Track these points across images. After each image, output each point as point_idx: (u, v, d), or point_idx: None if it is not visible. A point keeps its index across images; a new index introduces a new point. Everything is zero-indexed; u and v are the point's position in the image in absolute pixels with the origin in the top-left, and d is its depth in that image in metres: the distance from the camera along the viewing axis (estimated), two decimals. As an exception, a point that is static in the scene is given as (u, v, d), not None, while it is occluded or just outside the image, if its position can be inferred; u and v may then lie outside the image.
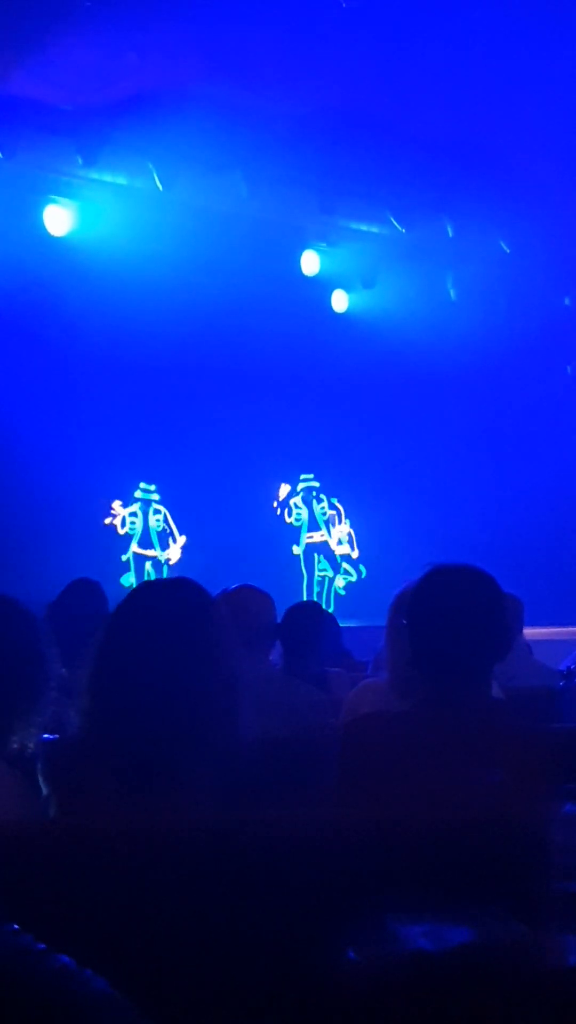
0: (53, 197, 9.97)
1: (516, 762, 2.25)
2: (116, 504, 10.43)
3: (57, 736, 2.31)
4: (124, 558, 10.45)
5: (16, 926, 1.04)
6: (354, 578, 11.90)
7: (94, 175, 9.72)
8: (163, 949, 1.62)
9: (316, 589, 11.72)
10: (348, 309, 11.96)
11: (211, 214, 10.12)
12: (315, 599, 11.09)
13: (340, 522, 11.98)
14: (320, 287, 11.73)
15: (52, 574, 6.17)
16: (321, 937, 1.68)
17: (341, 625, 5.99)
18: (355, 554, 11.98)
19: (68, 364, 9.80)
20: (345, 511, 12.03)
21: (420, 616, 2.45)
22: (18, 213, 9.70)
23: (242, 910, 1.67)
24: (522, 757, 2.27)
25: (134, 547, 10.54)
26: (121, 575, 10.23)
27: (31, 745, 2.21)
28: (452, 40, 8.14)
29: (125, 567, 10.36)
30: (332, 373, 11.41)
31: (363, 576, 11.89)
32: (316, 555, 11.84)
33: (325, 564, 11.88)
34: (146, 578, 9.95)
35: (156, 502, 10.73)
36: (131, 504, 10.58)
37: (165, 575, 10.24)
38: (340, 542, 11.94)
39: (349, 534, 11.99)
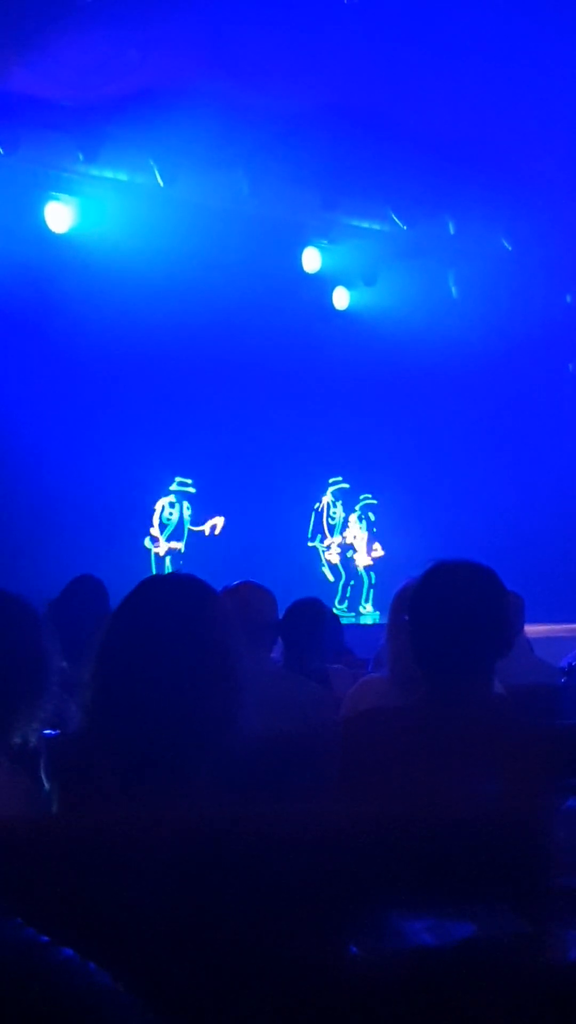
0: (54, 193, 9.96)
1: (517, 758, 2.25)
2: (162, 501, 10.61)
3: (59, 732, 2.31)
4: (157, 550, 10.66)
5: (20, 920, 1.04)
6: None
7: (95, 171, 9.71)
8: (165, 943, 1.63)
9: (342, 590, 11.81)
10: (349, 306, 11.95)
11: (212, 211, 10.12)
12: (344, 598, 11.27)
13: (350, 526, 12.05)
14: (321, 284, 11.72)
15: (58, 569, 6.17)
16: (323, 932, 1.68)
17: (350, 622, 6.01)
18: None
19: (68, 360, 9.79)
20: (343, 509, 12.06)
21: (422, 612, 2.45)
22: (19, 209, 9.70)
23: (244, 905, 1.67)
24: (523, 753, 2.27)
25: (161, 540, 10.77)
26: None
27: (33, 740, 2.22)
28: (454, 38, 8.13)
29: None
30: (333, 371, 11.41)
31: (373, 582, 11.95)
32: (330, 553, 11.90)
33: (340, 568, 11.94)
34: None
35: (190, 496, 10.91)
36: (166, 496, 10.84)
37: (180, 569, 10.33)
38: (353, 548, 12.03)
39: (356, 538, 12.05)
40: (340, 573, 11.90)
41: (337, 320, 11.79)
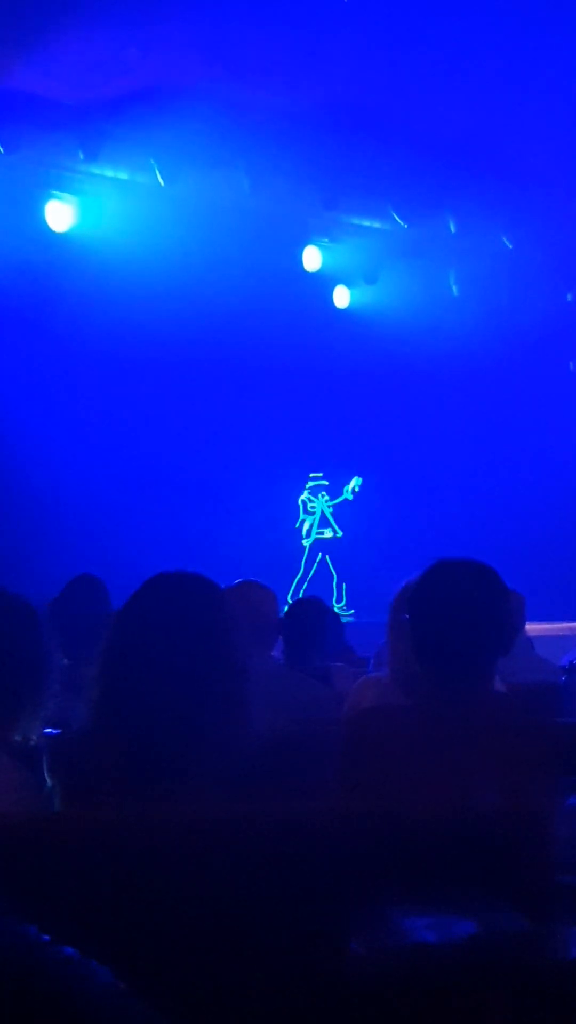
0: (54, 192, 9.95)
1: (518, 757, 2.25)
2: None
3: (60, 730, 2.31)
4: (305, 543, 11.39)
5: (21, 918, 1.04)
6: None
7: (95, 170, 9.71)
8: (167, 941, 1.63)
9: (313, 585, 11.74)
10: (350, 305, 11.95)
11: (213, 209, 10.11)
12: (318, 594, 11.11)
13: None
14: (322, 283, 11.71)
15: (57, 569, 6.17)
16: (325, 929, 1.69)
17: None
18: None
19: (68, 359, 9.79)
20: (345, 507, 12.04)
21: (422, 611, 2.45)
22: (19, 208, 9.69)
23: (247, 903, 1.67)
24: (524, 752, 2.27)
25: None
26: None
27: (34, 739, 2.22)
28: (454, 36, 8.13)
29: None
30: (333, 369, 11.40)
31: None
32: (321, 553, 11.86)
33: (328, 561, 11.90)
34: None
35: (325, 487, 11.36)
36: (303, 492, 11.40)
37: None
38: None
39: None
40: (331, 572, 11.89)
41: (338, 319, 11.78)
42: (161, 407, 10.39)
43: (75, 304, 9.74)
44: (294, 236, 11.23)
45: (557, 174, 9.77)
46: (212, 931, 1.65)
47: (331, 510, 11.87)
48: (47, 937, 1.02)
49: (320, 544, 11.91)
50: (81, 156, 9.29)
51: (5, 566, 8.16)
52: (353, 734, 2.43)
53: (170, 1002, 1.49)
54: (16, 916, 1.05)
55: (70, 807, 2.11)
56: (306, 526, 11.85)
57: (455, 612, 2.40)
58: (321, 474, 11.80)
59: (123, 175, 9.90)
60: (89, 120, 8.87)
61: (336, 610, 11.30)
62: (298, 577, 11.67)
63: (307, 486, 11.80)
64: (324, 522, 11.87)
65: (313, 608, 4.82)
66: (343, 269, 11.75)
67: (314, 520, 11.85)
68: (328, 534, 11.88)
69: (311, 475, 11.78)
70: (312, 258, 11.47)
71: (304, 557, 11.78)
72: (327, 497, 11.85)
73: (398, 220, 10.75)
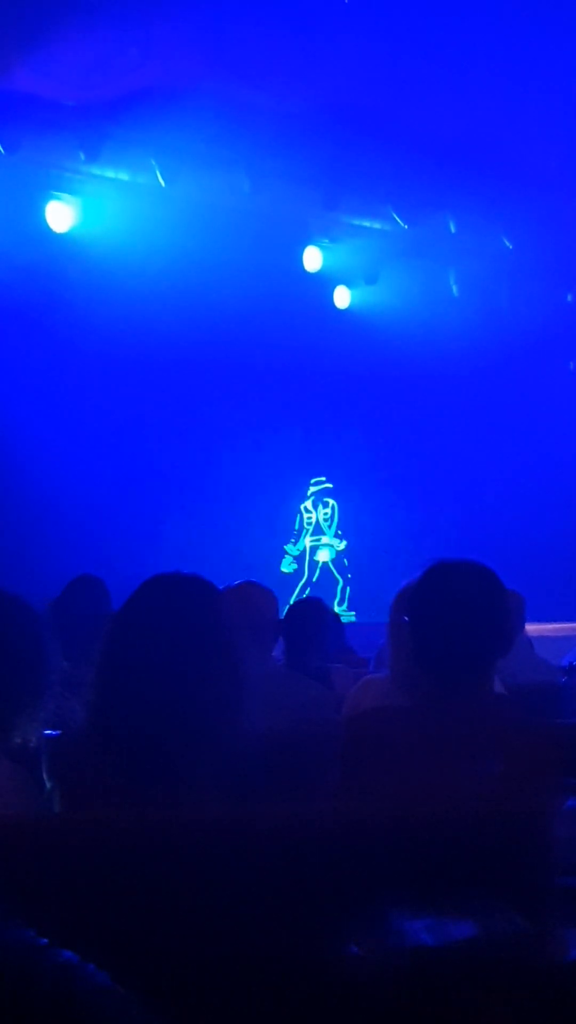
0: (55, 193, 9.95)
1: (518, 758, 2.25)
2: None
3: (60, 732, 2.31)
4: (295, 550, 11.47)
5: (19, 921, 1.04)
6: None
7: (96, 171, 9.71)
8: (166, 943, 1.63)
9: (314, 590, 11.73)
10: (350, 305, 11.94)
11: (214, 210, 10.11)
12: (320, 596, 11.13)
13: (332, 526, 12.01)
14: (322, 283, 11.72)
15: (56, 568, 6.17)
16: (324, 931, 1.69)
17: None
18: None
19: (69, 360, 9.79)
20: (345, 507, 12.03)
21: (422, 612, 2.45)
22: (20, 209, 9.69)
23: (245, 904, 1.67)
24: (524, 753, 2.27)
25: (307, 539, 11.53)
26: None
27: (33, 740, 2.22)
28: (454, 36, 8.13)
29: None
30: (334, 370, 11.40)
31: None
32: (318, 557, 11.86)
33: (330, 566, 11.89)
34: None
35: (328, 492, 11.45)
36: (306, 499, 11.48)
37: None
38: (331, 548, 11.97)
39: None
40: (335, 577, 11.88)
41: (338, 319, 11.78)
42: (161, 407, 10.39)
43: (76, 305, 9.74)
44: (294, 236, 11.23)
45: (557, 174, 9.77)
46: (211, 933, 1.65)
47: (328, 520, 11.85)
48: (44, 941, 1.02)
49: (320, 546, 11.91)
50: (82, 157, 9.29)
51: (5, 567, 8.16)
52: (353, 735, 2.43)
53: (169, 1005, 1.49)
54: (15, 919, 1.05)
55: (69, 809, 2.11)
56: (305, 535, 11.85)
57: (454, 613, 2.40)
58: (324, 478, 11.79)
59: (124, 176, 9.90)
60: (90, 121, 8.87)
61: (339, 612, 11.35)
62: (302, 582, 11.68)
63: (309, 493, 11.79)
64: (318, 530, 11.87)
65: (313, 609, 4.82)
66: (343, 269, 11.75)
67: (310, 528, 11.84)
68: (324, 542, 11.86)
69: (312, 480, 11.75)
70: (312, 258, 11.48)
71: (306, 560, 11.78)
72: (326, 511, 11.84)
73: (398, 221, 10.76)
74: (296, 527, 11.79)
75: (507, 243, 11.30)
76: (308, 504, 11.80)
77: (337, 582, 11.81)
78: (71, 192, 9.98)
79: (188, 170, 9.48)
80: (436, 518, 11.43)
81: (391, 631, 3.13)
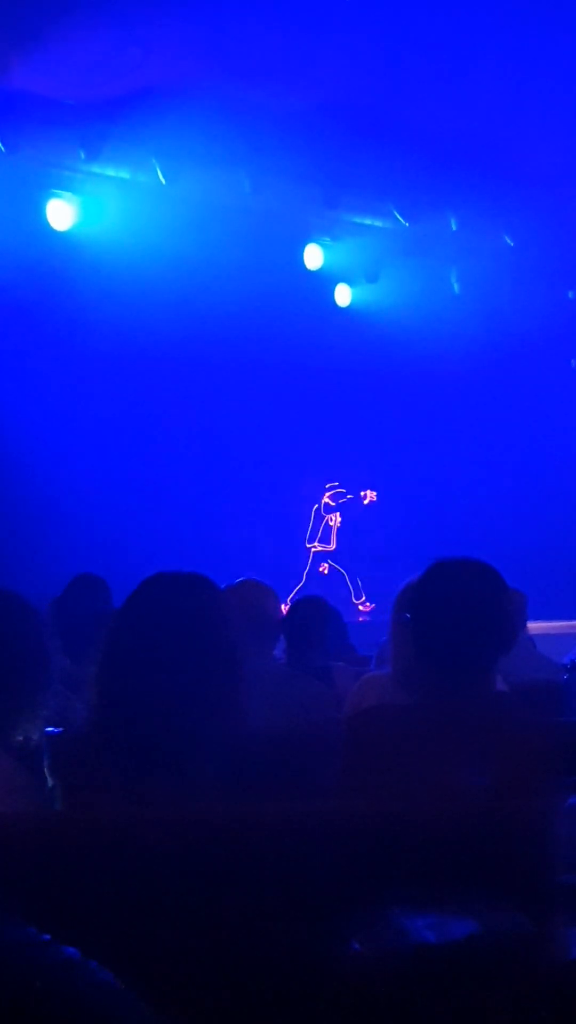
0: (56, 191, 9.96)
1: (520, 755, 2.25)
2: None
3: (62, 729, 2.31)
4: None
5: (21, 918, 1.04)
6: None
7: (97, 169, 9.71)
8: (168, 941, 1.63)
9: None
10: (351, 303, 11.95)
11: (214, 208, 10.11)
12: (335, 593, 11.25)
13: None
14: (323, 281, 11.72)
15: (56, 568, 6.17)
16: (326, 929, 1.69)
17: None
18: None
19: (70, 358, 9.79)
20: (345, 506, 12.03)
21: (424, 610, 2.45)
22: (21, 207, 9.69)
23: (247, 902, 1.67)
24: (526, 750, 2.27)
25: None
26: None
27: (35, 738, 2.22)
28: (455, 34, 8.12)
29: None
30: (335, 367, 11.40)
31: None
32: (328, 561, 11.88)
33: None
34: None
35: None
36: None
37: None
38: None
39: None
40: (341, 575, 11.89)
41: (339, 317, 11.78)
42: (162, 405, 10.39)
43: (77, 303, 9.74)
44: (295, 235, 11.23)
45: (558, 172, 9.76)
46: (212, 930, 1.65)
47: (339, 525, 11.85)
48: (47, 937, 1.01)
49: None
50: (82, 155, 9.29)
51: (7, 565, 8.16)
52: (354, 733, 2.43)
53: (171, 1002, 1.49)
54: (16, 916, 1.05)
55: (71, 806, 2.11)
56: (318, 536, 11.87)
57: (456, 611, 2.40)
58: (337, 483, 11.79)
59: (124, 174, 9.90)
60: (90, 119, 8.87)
61: (358, 607, 11.38)
62: (301, 583, 11.71)
63: (325, 496, 11.81)
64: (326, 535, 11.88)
65: (314, 607, 4.82)
66: (344, 267, 11.75)
67: (319, 530, 11.85)
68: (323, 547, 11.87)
69: (328, 485, 11.78)
70: (313, 256, 11.48)
71: (309, 561, 11.80)
72: (337, 518, 11.85)
73: (399, 218, 10.75)
74: (312, 528, 11.80)
75: (508, 241, 11.30)
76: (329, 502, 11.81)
77: (344, 577, 11.82)
78: (72, 190, 9.98)
79: (189, 168, 9.48)
80: (436, 515, 11.42)
81: (393, 629, 3.13)
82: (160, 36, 8.00)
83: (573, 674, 3.95)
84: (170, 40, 8.03)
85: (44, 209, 9.94)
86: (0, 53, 8.05)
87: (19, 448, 9.46)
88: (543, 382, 12.38)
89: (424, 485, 11.80)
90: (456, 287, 12.12)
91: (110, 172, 9.84)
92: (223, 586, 3.57)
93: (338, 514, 11.85)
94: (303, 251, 11.39)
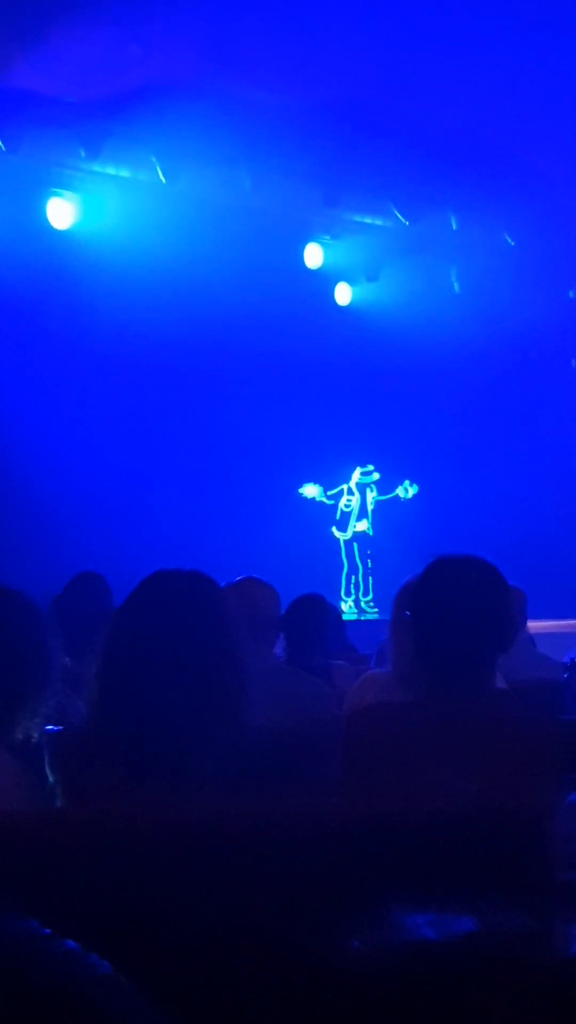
0: (56, 190, 9.97)
1: (519, 753, 2.25)
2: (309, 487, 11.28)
3: (62, 727, 2.32)
4: (343, 536, 11.59)
5: (22, 913, 1.04)
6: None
7: (97, 168, 9.72)
8: (167, 936, 1.63)
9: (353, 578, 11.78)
10: (351, 302, 11.95)
11: (214, 207, 10.11)
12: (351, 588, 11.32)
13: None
14: (323, 280, 11.72)
15: (56, 568, 6.17)
16: (325, 926, 1.69)
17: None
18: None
19: (70, 356, 9.80)
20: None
21: (424, 608, 2.45)
22: (21, 206, 9.70)
23: (246, 899, 1.68)
24: (525, 748, 2.27)
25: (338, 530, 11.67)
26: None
27: (36, 736, 2.22)
28: (456, 34, 8.12)
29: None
30: (335, 367, 11.41)
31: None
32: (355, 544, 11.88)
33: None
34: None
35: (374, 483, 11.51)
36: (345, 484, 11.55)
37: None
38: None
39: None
40: (344, 564, 11.87)
41: (339, 316, 11.78)
42: (163, 404, 10.40)
43: (77, 301, 9.75)
44: (295, 233, 11.23)
45: (558, 171, 9.76)
46: (212, 927, 1.65)
47: (373, 506, 11.84)
48: (48, 931, 1.02)
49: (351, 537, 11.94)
50: (83, 154, 9.30)
51: (7, 563, 8.17)
52: (354, 731, 2.43)
53: (171, 997, 1.49)
54: (17, 911, 1.05)
55: (72, 803, 2.11)
56: (351, 520, 11.85)
57: (456, 609, 2.40)
58: (372, 467, 11.78)
59: (125, 173, 9.91)
60: (91, 118, 8.88)
61: (363, 605, 11.38)
62: (345, 571, 11.73)
63: (356, 480, 11.78)
64: (362, 515, 11.86)
65: (314, 605, 4.81)
66: (345, 266, 11.76)
67: (353, 513, 11.83)
68: (362, 527, 11.85)
69: (360, 468, 11.77)
70: (314, 255, 11.48)
71: (342, 551, 11.81)
72: (375, 492, 11.82)
73: (399, 217, 10.76)
74: (338, 514, 11.80)
75: (508, 239, 11.31)
76: (352, 486, 11.79)
77: (358, 569, 11.80)
78: (72, 189, 9.98)
79: (189, 167, 9.49)
80: (437, 513, 11.43)
81: (393, 627, 3.13)
82: (160, 35, 8.00)
83: (573, 673, 3.95)
84: (170, 39, 8.04)
85: (44, 207, 9.95)
86: (1, 52, 8.05)
87: (20, 446, 9.46)
88: (543, 381, 12.38)
89: (424, 483, 11.80)
90: (456, 286, 12.13)
91: (110, 171, 9.85)
92: (223, 584, 3.57)
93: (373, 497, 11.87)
94: (303, 250, 11.39)
